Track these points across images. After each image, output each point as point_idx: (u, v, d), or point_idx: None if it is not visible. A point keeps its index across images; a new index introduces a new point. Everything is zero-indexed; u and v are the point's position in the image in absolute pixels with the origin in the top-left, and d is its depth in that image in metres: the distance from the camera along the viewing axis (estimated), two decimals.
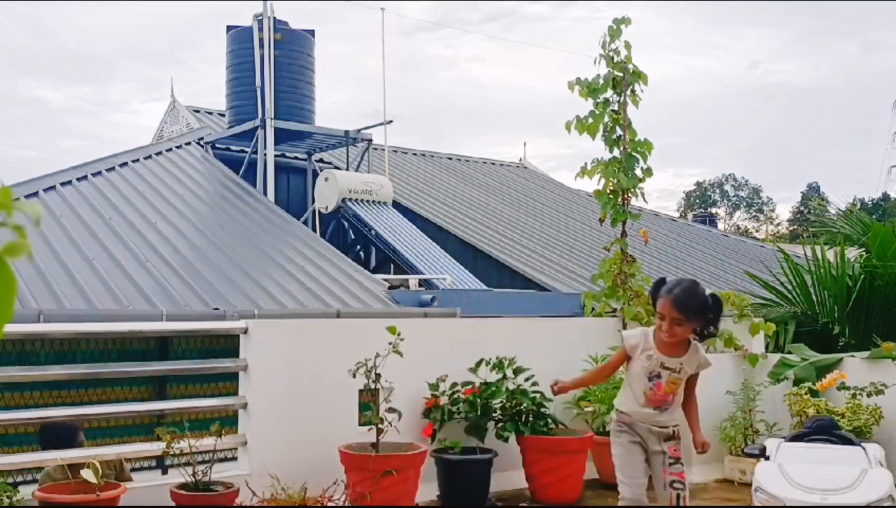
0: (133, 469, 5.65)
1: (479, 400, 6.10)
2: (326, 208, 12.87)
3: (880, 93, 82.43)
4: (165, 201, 11.13)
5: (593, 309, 8.04)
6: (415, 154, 18.11)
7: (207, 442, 5.03)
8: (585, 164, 8.06)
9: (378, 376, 5.46)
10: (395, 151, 16.96)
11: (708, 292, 4.19)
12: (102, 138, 73.26)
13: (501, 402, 6.23)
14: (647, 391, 4.18)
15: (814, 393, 6.61)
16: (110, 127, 76.58)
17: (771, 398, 7.03)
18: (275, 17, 13.15)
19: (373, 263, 13.11)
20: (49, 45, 79.97)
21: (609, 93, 8.08)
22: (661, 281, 4.20)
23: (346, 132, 13.73)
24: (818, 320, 9.50)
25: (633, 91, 8.10)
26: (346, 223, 13.27)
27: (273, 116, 12.78)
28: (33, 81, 77.69)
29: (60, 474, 4.68)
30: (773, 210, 60.08)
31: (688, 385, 4.23)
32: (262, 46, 12.93)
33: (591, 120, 8.04)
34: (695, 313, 4.06)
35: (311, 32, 13.95)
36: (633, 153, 8.04)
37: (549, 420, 6.36)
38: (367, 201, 12.90)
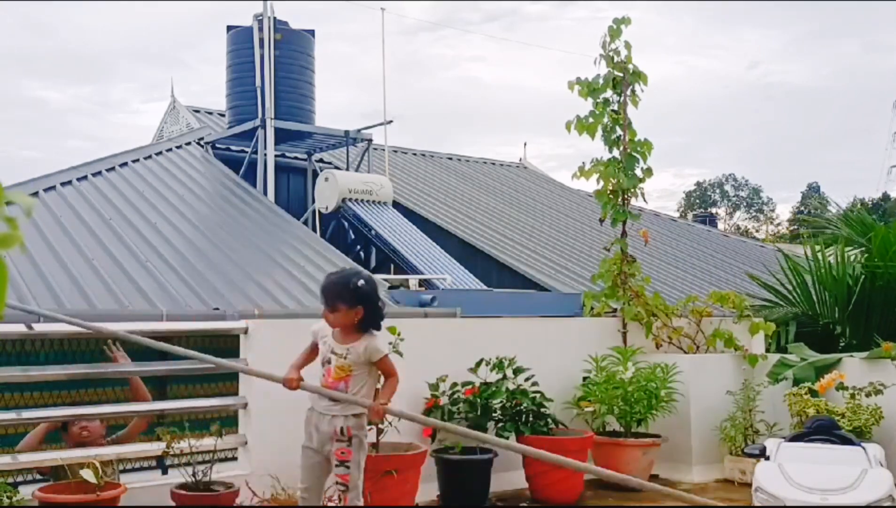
0: (133, 469, 5.66)
1: (479, 400, 6.10)
2: (326, 208, 12.87)
3: (880, 93, 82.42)
4: (165, 201, 11.13)
5: (593, 309, 8.04)
6: (415, 154, 18.10)
7: (207, 442, 5.03)
8: (583, 163, 8.07)
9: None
10: (396, 151, 16.95)
11: (361, 279, 4.28)
12: (104, 139, 73.30)
13: (501, 402, 6.23)
14: (321, 380, 4.34)
15: (814, 393, 6.61)
16: (111, 127, 76.60)
17: (771, 399, 7.03)
18: (275, 17, 13.14)
19: (373, 263, 13.10)
20: (50, 45, 79.99)
21: (609, 93, 8.08)
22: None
23: (347, 132, 13.72)
24: (819, 320, 9.50)
25: (633, 91, 8.10)
26: (346, 223, 13.26)
27: (273, 116, 12.77)
28: (35, 82, 77.69)
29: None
30: (773, 210, 60.09)
31: (384, 374, 4.34)
32: (262, 46, 12.92)
33: (591, 120, 8.04)
34: (339, 297, 4.21)
35: (311, 32, 13.94)
36: (633, 153, 8.04)
37: (549, 420, 6.36)
38: (367, 201, 12.89)
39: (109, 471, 5.06)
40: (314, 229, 12.58)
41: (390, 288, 9.75)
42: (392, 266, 12.36)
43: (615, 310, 7.99)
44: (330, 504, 5.13)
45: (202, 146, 13.74)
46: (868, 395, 6.44)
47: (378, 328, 4.34)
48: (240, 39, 13.48)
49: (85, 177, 11.33)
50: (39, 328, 5.89)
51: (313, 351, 4.51)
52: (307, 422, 4.43)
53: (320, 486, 4.42)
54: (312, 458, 4.39)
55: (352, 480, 4.27)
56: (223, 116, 14.57)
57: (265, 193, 12.55)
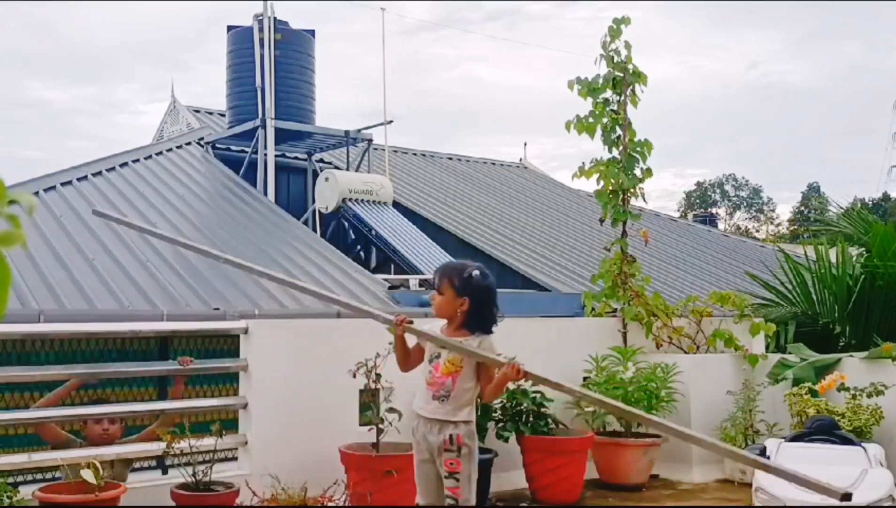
0: (133, 469, 5.65)
1: (478, 400, 6.10)
2: (327, 207, 12.87)
3: (880, 93, 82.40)
4: (165, 201, 11.13)
5: (593, 309, 8.04)
6: (415, 154, 18.10)
7: (208, 442, 5.03)
8: (583, 163, 8.07)
9: (378, 376, 5.46)
10: (396, 152, 16.95)
11: (477, 270, 4.00)
12: (106, 139, 73.37)
13: (501, 402, 6.23)
14: (427, 377, 4.01)
15: (814, 393, 6.61)
16: (114, 128, 76.64)
17: (771, 399, 7.03)
18: (275, 17, 13.14)
19: (373, 263, 13.10)
20: (53, 46, 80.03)
21: (608, 93, 8.08)
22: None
23: (347, 132, 13.72)
24: (819, 320, 9.50)
25: (632, 91, 8.10)
26: (346, 223, 13.26)
27: (273, 116, 12.76)
28: (38, 82, 77.76)
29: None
30: (773, 210, 60.13)
31: (483, 378, 4.00)
32: (262, 46, 12.92)
33: (590, 120, 8.04)
34: (447, 275, 3.97)
35: (312, 32, 13.95)
36: (633, 153, 8.04)
37: (550, 420, 6.36)
38: (368, 201, 12.89)
39: (119, 469, 5.08)
40: (314, 229, 12.58)
41: (390, 288, 9.75)
42: (392, 266, 12.36)
43: (615, 310, 7.99)
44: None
45: (202, 146, 13.74)
46: (869, 396, 6.44)
47: (488, 331, 4.00)
48: (240, 39, 13.49)
49: (85, 177, 11.33)
50: (39, 328, 5.89)
51: (418, 349, 4.14)
52: (413, 431, 4.05)
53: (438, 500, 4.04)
54: (425, 470, 4.06)
55: (462, 494, 3.91)
56: (223, 116, 14.57)
57: (265, 193, 12.55)
